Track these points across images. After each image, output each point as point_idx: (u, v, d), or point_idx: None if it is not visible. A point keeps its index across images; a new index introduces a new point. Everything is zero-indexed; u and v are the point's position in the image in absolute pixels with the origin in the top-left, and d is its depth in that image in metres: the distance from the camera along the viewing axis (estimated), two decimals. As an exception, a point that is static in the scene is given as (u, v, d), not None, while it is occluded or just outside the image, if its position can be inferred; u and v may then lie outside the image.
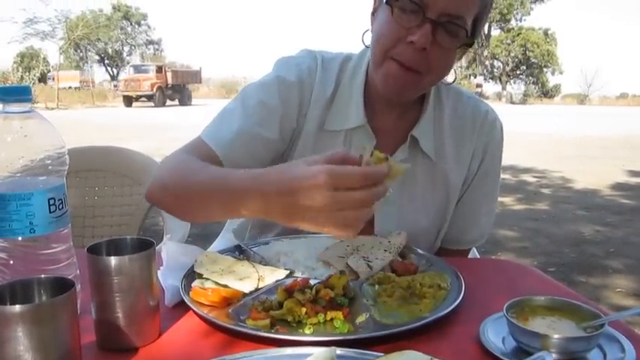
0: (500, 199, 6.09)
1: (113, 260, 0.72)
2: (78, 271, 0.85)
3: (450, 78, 1.19)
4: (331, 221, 0.75)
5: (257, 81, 1.23)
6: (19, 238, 0.77)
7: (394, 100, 1.17)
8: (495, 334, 0.78)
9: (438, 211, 1.27)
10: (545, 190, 7.14)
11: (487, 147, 1.27)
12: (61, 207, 0.80)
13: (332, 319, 0.82)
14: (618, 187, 7.36)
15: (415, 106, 1.22)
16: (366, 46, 1.19)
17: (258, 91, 1.19)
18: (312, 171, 0.74)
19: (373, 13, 1.15)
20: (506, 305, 0.77)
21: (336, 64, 1.23)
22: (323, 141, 1.20)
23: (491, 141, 1.28)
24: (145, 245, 0.77)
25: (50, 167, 0.79)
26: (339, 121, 1.20)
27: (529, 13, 49.14)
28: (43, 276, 0.67)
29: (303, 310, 0.81)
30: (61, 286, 0.64)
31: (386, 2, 1.05)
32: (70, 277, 0.80)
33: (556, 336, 0.71)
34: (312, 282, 0.91)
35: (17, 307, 0.58)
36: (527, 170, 8.66)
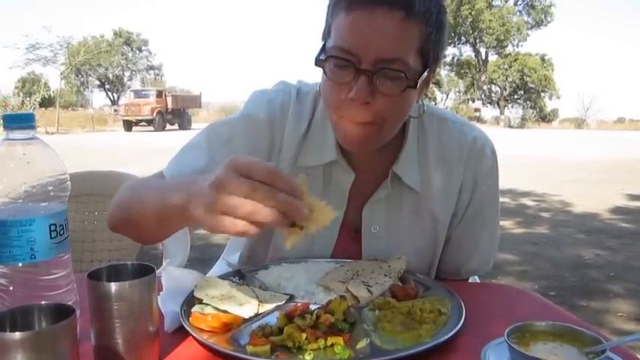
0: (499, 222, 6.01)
1: (113, 286, 0.72)
2: (78, 297, 0.84)
3: (414, 113, 1.14)
4: (225, 205, 0.71)
5: (226, 118, 1.21)
6: (20, 264, 0.77)
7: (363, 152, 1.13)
8: (497, 359, 0.77)
9: (427, 246, 1.23)
10: (545, 214, 7.13)
11: (477, 176, 1.20)
12: (62, 233, 0.80)
13: (332, 345, 0.81)
14: (617, 210, 7.36)
15: (395, 140, 1.14)
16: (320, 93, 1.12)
17: (224, 127, 1.17)
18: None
19: None
20: (507, 330, 0.77)
21: (311, 97, 1.19)
22: None
23: (481, 170, 1.20)
24: (146, 271, 0.77)
25: (52, 193, 0.79)
26: (313, 156, 1.16)
27: (525, 39, 49.75)
28: (43, 303, 0.67)
29: (303, 335, 0.80)
30: (61, 312, 0.64)
31: (315, 64, 1.01)
32: (69, 302, 0.80)
33: (557, 362, 0.71)
34: (312, 307, 0.91)
35: (17, 334, 0.58)
36: (526, 194, 8.66)
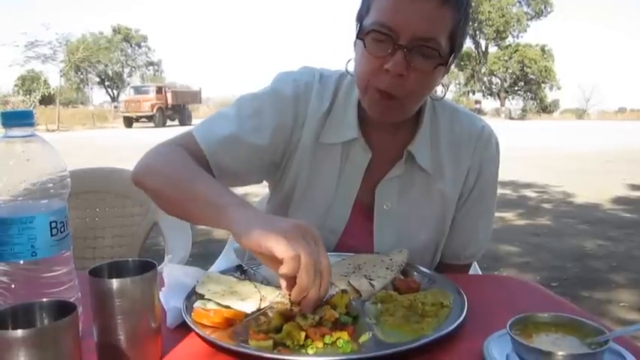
0: (501, 214, 6.05)
1: (115, 283, 0.72)
2: (79, 294, 0.84)
3: (439, 93, 1.20)
4: (307, 249, 0.81)
5: (254, 92, 1.26)
6: (21, 262, 0.77)
7: (389, 122, 1.20)
8: (499, 351, 0.77)
9: (436, 225, 1.28)
10: (547, 205, 7.13)
11: (483, 162, 1.28)
12: (62, 230, 0.80)
13: (336, 339, 0.81)
14: (619, 200, 7.36)
15: (411, 123, 1.24)
16: (349, 74, 1.23)
17: (253, 100, 1.23)
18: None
19: (355, 43, 1.18)
20: (509, 322, 0.77)
21: (333, 80, 1.26)
22: (320, 154, 1.23)
23: (487, 157, 1.29)
24: (147, 267, 0.77)
25: (52, 190, 0.79)
26: (335, 134, 1.22)
27: (526, 30, 49.60)
28: (44, 300, 0.67)
29: (303, 334, 0.80)
30: (63, 309, 0.64)
31: (357, 37, 1.09)
32: (71, 299, 0.80)
33: (560, 353, 0.71)
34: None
35: (19, 332, 0.58)
36: (528, 185, 8.66)
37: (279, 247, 0.80)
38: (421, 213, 1.26)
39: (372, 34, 1.06)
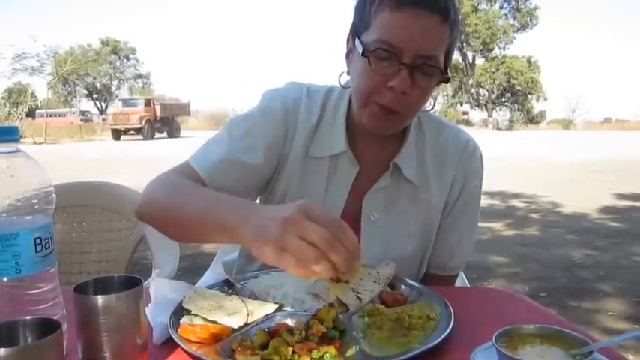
0: (489, 224, 6.07)
1: (100, 299, 0.72)
2: (64, 310, 0.84)
3: (427, 104, 1.22)
4: (292, 244, 0.75)
5: (243, 113, 1.28)
6: (5, 279, 0.76)
7: (380, 135, 1.22)
8: (485, 364, 0.78)
9: (422, 235, 1.30)
10: (535, 215, 7.18)
11: (467, 174, 1.31)
12: (47, 246, 0.80)
13: (323, 353, 0.81)
14: (606, 210, 7.42)
15: (398, 135, 1.26)
16: (342, 86, 1.25)
17: (244, 121, 1.24)
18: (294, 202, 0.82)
19: (347, 56, 1.20)
20: (495, 334, 0.77)
21: (321, 94, 1.28)
22: (308, 167, 1.24)
23: (471, 169, 1.31)
24: (133, 283, 0.77)
25: (37, 206, 0.79)
26: (323, 148, 1.24)
27: (512, 42, 50.17)
28: (28, 317, 0.67)
29: (290, 349, 0.80)
30: (47, 327, 0.64)
31: (362, 54, 1.09)
32: (56, 316, 0.79)
33: (545, 364, 0.71)
34: (297, 319, 0.91)
35: (2, 350, 0.57)
36: (516, 196, 8.71)
37: (289, 267, 0.77)
38: (407, 223, 1.28)
39: (377, 52, 1.08)
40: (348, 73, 1.21)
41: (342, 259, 0.75)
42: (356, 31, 1.14)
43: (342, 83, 1.25)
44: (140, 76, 61.12)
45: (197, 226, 0.97)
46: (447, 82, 1.13)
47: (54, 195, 0.82)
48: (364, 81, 1.12)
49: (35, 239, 0.78)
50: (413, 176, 1.25)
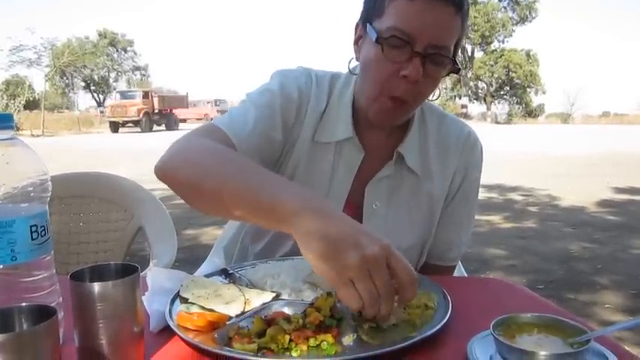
0: (487, 217, 6.08)
1: (96, 286, 0.71)
2: (61, 299, 0.83)
3: (432, 97, 1.22)
4: (364, 284, 0.76)
5: (260, 87, 1.25)
6: (0, 266, 0.76)
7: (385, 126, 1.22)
8: (483, 352, 0.78)
9: (423, 225, 1.30)
10: (533, 208, 7.19)
11: (468, 166, 1.32)
12: (43, 234, 0.79)
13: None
14: (604, 203, 7.44)
15: (402, 124, 1.26)
16: (350, 72, 1.24)
17: (264, 95, 1.22)
18: (380, 236, 0.80)
19: (356, 43, 1.19)
20: (492, 323, 0.77)
21: (327, 81, 1.28)
22: (315, 151, 1.24)
23: (472, 160, 1.33)
24: (129, 271, 0.77)
25: (32, 194, 0.78)
26: (329, 133, 1.24)
27: (511, 35, 50.05)
28: (23, 304, 0.66)
29: (287, 337, 0.80)
30: (43, 314, 0.63)
31: (376, 41, 1.08)
32: (52, 304, 0.79)
33: (543, 353, 0.71)
34: (294, 310, 0.91)
35: (-3, 336, 0.57)
36: (514, 189, 8.72)
37: (344, 297, 0.78)
38: (409, 213, 1.28)
39: (390, 40, 1.07)
40: (357, 59, 1.20)
41: (387, 311, 0.79)
42: (368, 18, 1.13)
43: (351, 68, 1.24)
44: (138, 68, 60.97)
45: (238, 200, 0.89)
46: (457, 73, 1.13)
47: (50, 183, 0.82)
48: (376, 70, 1.11)
49: (31, 227, 0.77)
50: (416, 166, 1.26)
